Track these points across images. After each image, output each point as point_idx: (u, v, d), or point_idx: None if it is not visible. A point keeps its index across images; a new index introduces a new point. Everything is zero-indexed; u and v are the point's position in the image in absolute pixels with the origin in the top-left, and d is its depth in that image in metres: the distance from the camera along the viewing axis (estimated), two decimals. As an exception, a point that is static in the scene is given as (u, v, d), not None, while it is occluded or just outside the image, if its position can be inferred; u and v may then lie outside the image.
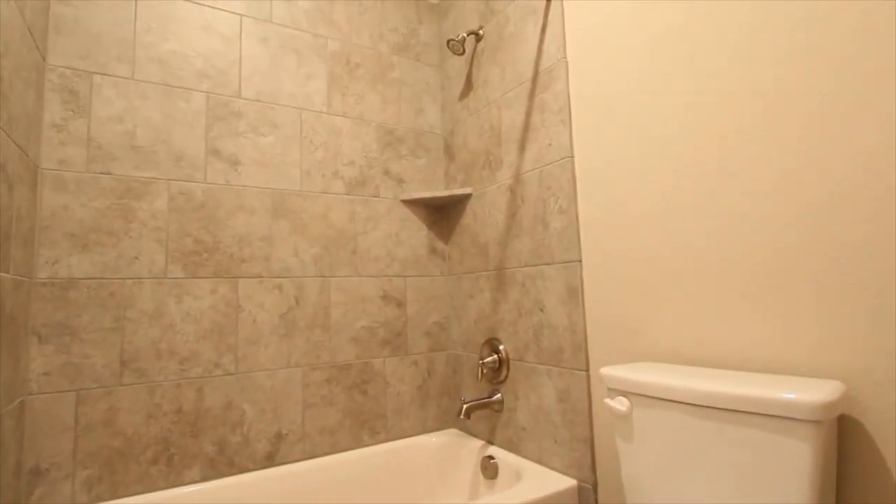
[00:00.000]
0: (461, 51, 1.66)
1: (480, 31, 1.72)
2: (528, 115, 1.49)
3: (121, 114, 1.37)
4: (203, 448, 1.39)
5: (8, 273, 1.04)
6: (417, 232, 1.86)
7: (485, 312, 1.68)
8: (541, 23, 1.45)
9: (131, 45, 1.40)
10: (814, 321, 0.84)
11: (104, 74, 1.36)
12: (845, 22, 0.80)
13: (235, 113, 1.54)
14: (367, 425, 1.67)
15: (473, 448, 1.63)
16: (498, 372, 1.58)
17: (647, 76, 1.14)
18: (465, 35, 1.64)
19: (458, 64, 1.88)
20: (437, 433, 1.77)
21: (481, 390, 1.69)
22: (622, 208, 1.19)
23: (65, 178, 1.29)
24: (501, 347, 1.57)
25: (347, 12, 1.80)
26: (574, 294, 1.31)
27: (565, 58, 1.36)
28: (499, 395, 1.58)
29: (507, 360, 1.55)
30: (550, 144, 1.40)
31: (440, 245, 1.91)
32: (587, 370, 1.27)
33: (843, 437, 0.80)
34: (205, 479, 1.38)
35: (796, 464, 0.71)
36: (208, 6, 1.52)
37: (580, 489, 1.27)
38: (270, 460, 1.48)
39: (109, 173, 1.34)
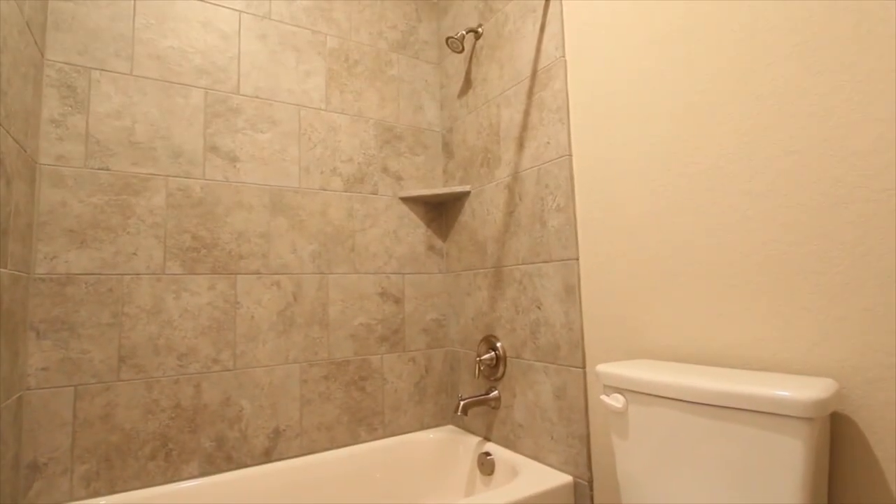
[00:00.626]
0: (460, 48, 1.66)
1: (479, 29, 1.72)
2: (527, 113, 1.50)
3: (119, 110, 1.37)
4: (201, 443, 1.39)
5: (6, 268, 1.04)
6: (415, 229, 1.87)
7: (482, 310, 1.68)
8: (540, 21, 1.45)
9: (130, 41, 1.40)
10: (808, 320, 0.84)
11: (103, 70, 1.36)
12: (842, 24, 0.81)
13: (234, 109, 1.54)
14: (364, 422, 1.68)
15: (470, 444, 1.64)
16: (495, 369, 1.59)
17: (645, 76, 1.14)
18: (464, 33, 1.64)
19: (457, 61, 1.89)
20: (434, 430, 1.78)
21: (478, 387, 1.69)
22: (620, 207, 1.20)
23: (63, 174, 1.29)
24: (499, 344, 1.58)
25: (346, 9, 1.80)
26: (571, 292, 1.31)
27: (564, 56, 1.37)
28: (496, 392, 1.59)
29: (505, 357, 1.56)
30: (549, 143, 1.41)
31: (438, 242, 1.91)
32: (584, 367, 1.28)
33: (835, 435, 0.81)
34: (203, 474, 1.39)
35: (789, 460, 0.72)
36: (207, 2, 1.52)
37: (576, 485, 1.28)
38: (268, 456, 1.49)
39: (108, 169, 1.34)
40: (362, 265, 1.74)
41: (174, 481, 1.35)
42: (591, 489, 1.24)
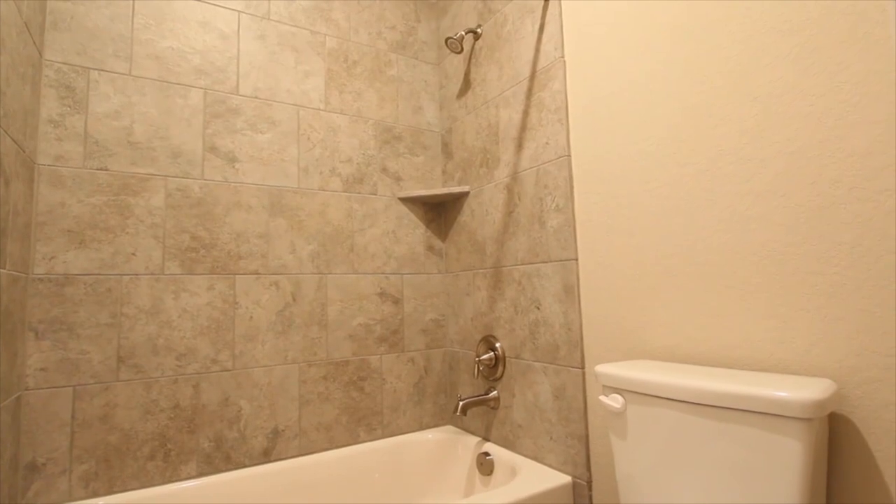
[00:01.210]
0: (459, 49, 1.66)
1: (479, 30, 1.72)
2: (526, 113, 1.50)
3: (118, 110, 1.37)
4: (200, 444, 1.39)
5: (4, 268, 1.04)
6: (415, 229, 1.87)
7: (481, 310, 1.68)
8: (539, 22, 1.45)
9: (129, 41, 1.40)
10: (806, 320, 0.85)
11: (101, 70, 1.36)
12: (840, 26, 0.81)
13: (233, 110, 1.54)
14: (363, 422, 1.68)
15: (469, 445, 1.64)
16: (494, 369, 1.59)
17: (643, 76, 1.15)
18: (463, 33, 1.64)
19: (456, 62, 1.89)
20: (433, 430, 1.78)
21: (477, 387, 1.69)
22: (618, 207, 1.20)
23: (61, 174, 1.29)
24: (498, 345, 1.58)
25: (346, 10, 1.80)
26: (570, 292, 1.31)
27: (563, 57, 1.37)
28: (495, 393, 1.59)
29: (504, 357, 1.56)
30: (548, 143, 1.41)
31: (437, 243, 1.92)
32: (583, 368, 1.28)
33: (833, 435, 0.81)
34: (201, 474, 1.39)
35: (787, 460, 0.72)
36: (206, 2, 1.52)
37: (575, 485, 1.28)
38: (267, 456, 1.49)
39: (106, 169, 1.34)
40: (361, 265, 1.74)
41: (173, 481, 1.34)
42: (590, 489, 1.25)
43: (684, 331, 1.04)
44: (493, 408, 1.61)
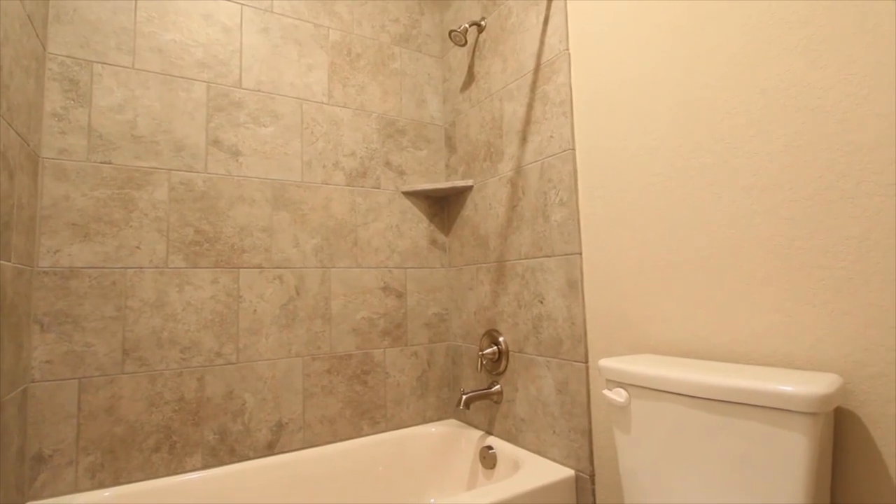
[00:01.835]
0: (463, 42, 1.65)
1: (483, 22, 1.71)
2: (530, 107, 1.49)
3: (121, 103, 1.37)
4: (204, 436, 1.40)
5: (9, 261, 1.04)
6: (418, 224, 1.87)
7: (485, 304, 1.68)
8: (543, 14, 1.44)
9: (131, 34, 1.39)
10: (812, 315, 0.84)
11: (104, 63, 1.35)
12: (846, 17, 0.80)
13: (236, 103, 1.53)
14: (367, 415, 1.68)
15: (472, 438, 1.65)
16: (497, 363, 1.59)
17: (649, 69, 1.14)
18: (467, 26, 1.63)
19: (459, 55, 1.88)
20: (436, 423, 1.79)
21: (481, 381, 1.70)
22: (623, 201, 1.20)
23: (65, 168, 1.29)
24: (501, 339, 1.58)
25: (349, 2, 1.79)
26: (574, 286, 1.31)
27: (568, 49, 1.36)
28: (498, 387, 1.59)
29: (507, 351, 1.56)
30: (552, 136, 1.40)
31: (441, 237, 1.91)
32: (586, 362, 1.28)
33: (839, 430, 0.80)
34: (206, 466, 1.40)
35: (793, 455, 0.72)
36: (209, -5, 1.51)
37: (578, 479, 1.28)
38: (271, 449, 1.50)
39: (110, 163, 1.34)
40: (364, 259, 1.74)
41: (178, 473, 1.35)
42: (593, 483, 1.25)
43: (689, 325, 1.04)
44: (496, 402, 1.61)
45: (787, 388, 0.71)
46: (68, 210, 1.28)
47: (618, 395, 0.97)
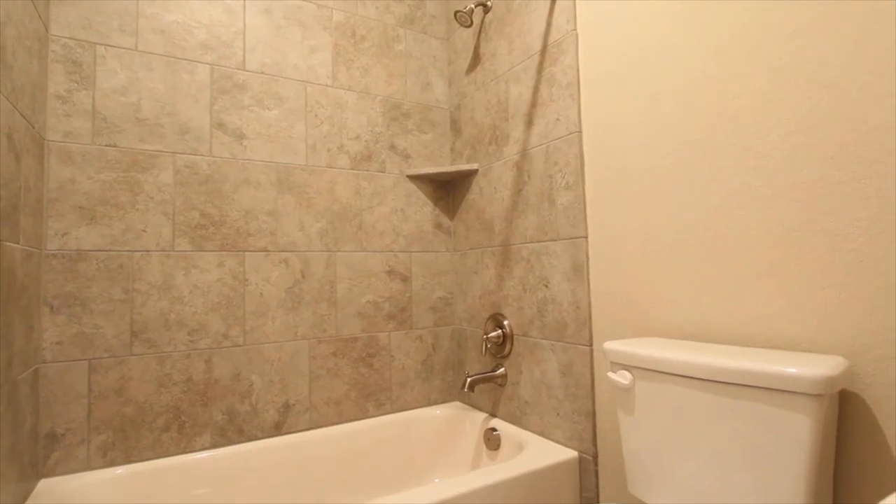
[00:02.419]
0: (469, 23, 1.62)
1: (489, 3, 1.67)
2: (536, 89, 1.47)
3: (125, 85, 1.36)
4: (213, 417, 1.42)
5: (18, 244, 1.05)
6: (423, 207, 1.86)
7: (489, 288, 1.68)
8: (551, -7, 1.41)
9: (134, 15, 1.38)
10: (819, 297, 0.83)
11: (107, 45, 1.34)
12: (866, -10, 0.78)
13: (240, 86, 1.52)
14: (372, 397, 1.70)
15: (476, 420, 1.66)
16: (502, 346, 1.60)
17: (658, 48, 1.11)
18: (472, 6, 1.60)
19: (465, 36, 1.85)
20: (441, 406, 1.80)
21: (485, 364, 1.71)
22: (629, 184, 1.18)
23: (71, 151, 1.29)
24: (506, 322, 1.59)
25: (352, -18, 1.76)
26: (579, 270, 1.31)
27: (575, 30, 1.33)
28: (502, 370, 1.60)
29: (511, 335, 1.57)
30: (558, 119, 1.38)
31: (446, 221, 1.91)
32: (591, 345, 1.28)
33: (843, 412, 0.80)
34: (215, 446, 1.42)
35: (797, 437, 0.72)
36: (211, -26, 1.49)
37: (581, 460, 1.29)
38: (278, 429, 1.52)
39: (115, 146, 1.34)
40: (370, 243, 1.74)
41: (187, 452, 1.38)
42: (596, 464, 1.26)
43: (694, 308, 1.04)
44: (500, 384, 1.62)
45: (792, 370, 0.71)
46: (75, 193, 1.29)
47: (622, 378, 0.97)
